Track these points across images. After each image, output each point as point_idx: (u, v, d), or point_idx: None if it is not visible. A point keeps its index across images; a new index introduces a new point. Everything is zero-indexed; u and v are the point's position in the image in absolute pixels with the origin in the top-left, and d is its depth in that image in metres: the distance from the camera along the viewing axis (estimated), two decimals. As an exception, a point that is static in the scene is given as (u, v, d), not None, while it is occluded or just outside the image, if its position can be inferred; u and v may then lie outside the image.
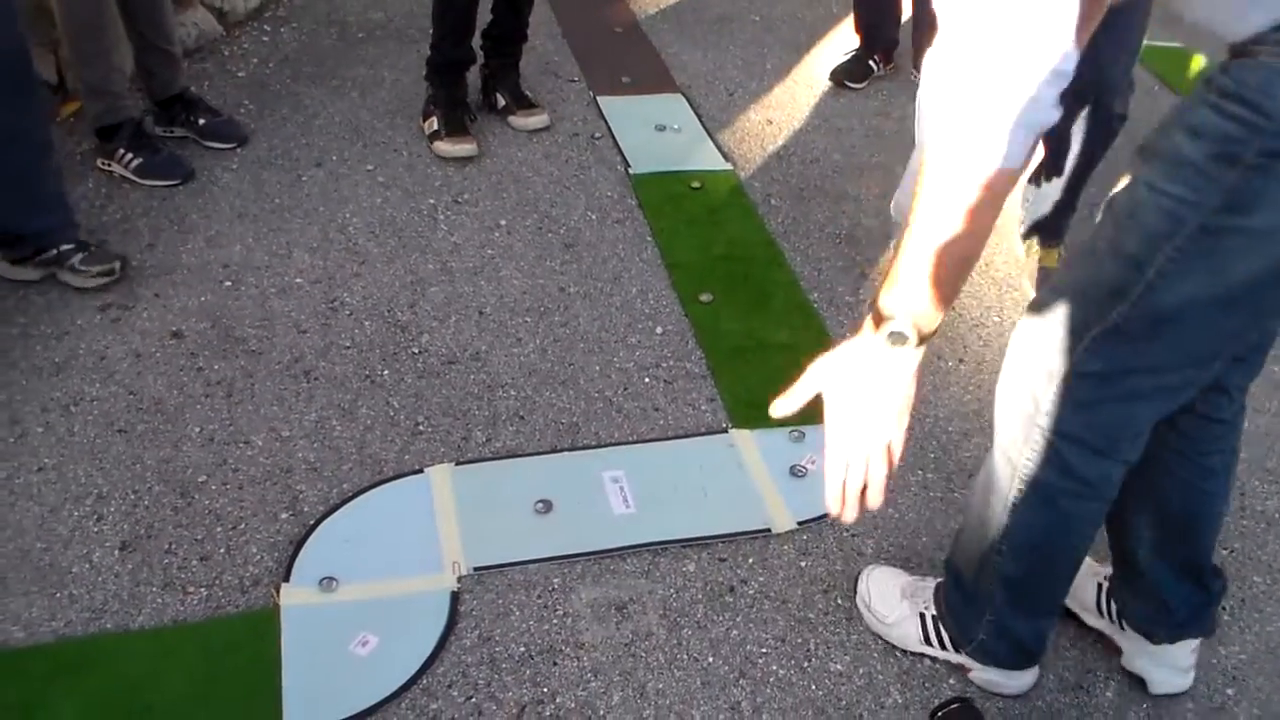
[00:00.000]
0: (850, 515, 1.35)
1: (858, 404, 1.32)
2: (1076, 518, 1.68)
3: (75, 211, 2.70)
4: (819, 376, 1.34)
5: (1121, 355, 1.47)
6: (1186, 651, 1.91)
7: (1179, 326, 1.40)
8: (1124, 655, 1.98)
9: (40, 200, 2.57)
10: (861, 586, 2.07)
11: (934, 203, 1.25)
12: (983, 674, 1.94)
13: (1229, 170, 1.25)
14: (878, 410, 1.32)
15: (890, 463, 1.34)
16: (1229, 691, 2.03)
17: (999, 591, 1.82)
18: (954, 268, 1.28)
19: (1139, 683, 1.98)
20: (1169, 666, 1.94)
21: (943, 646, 1.96)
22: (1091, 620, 2.02)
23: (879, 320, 1.31)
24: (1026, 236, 2.97)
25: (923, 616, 1.99)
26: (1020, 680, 1.93)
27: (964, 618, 1.93)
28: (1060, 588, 1.84)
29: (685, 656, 1.99)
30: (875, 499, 1.34)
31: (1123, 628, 1.96)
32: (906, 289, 1.29)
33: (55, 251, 2.59)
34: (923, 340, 1.31)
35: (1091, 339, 1.47)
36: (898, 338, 1.30)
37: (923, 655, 1.99)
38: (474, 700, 1.88)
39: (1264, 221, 1.27)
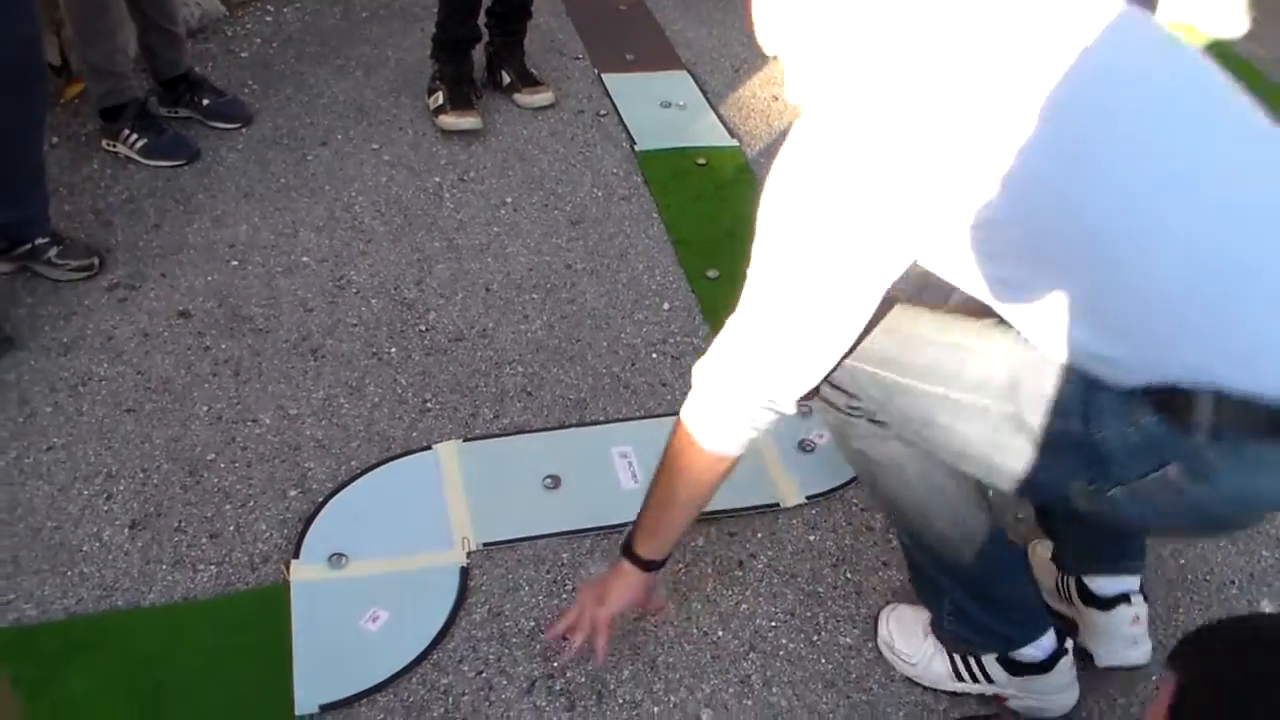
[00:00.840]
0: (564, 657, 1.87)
1: (593, 594, 1.82)
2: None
3: (83, 195, 2.69)
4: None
5: None
6: (1127, 621, 1.84)
7: None
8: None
9: (17, 191, 2.50)
10: (882, 629, 1.99)
11: (667, 468, 1.66)
12: (1020, 701, 1.86)
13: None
14: (602, 605, 1.80)
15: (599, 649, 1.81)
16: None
17: (940, 575, 1.82)
18: (676, 527, 1.74)
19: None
20: (1112, 636, 1.88)
21: (974, 679, 1.88)
22: (1057, 605, 1.96)
23: (625, 547, 1.80)
24: None
25: (956, 656, 1.90)
26: (1058, 700, 1.85)
27: (931, 606, 1.91)
28: (979, 560, 1.74)
29: (695, 630, 2.00)
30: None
31: (1073, 601, 1.92)
32: (637, 517, 1.77)
33: (30, 245, 2.56)
34: (649, 566, 1.78)
35: None
36: (629, 553, 1.79)
37: (945, 700, 1.91)
38: (484, 675, 1.88)
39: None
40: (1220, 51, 4.24)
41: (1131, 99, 1.30)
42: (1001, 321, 1.45)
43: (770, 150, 3.31)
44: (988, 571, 1.77)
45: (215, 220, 2.82)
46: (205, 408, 2.31)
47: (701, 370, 1.54)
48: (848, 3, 1.40)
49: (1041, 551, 2.06)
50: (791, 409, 1.50)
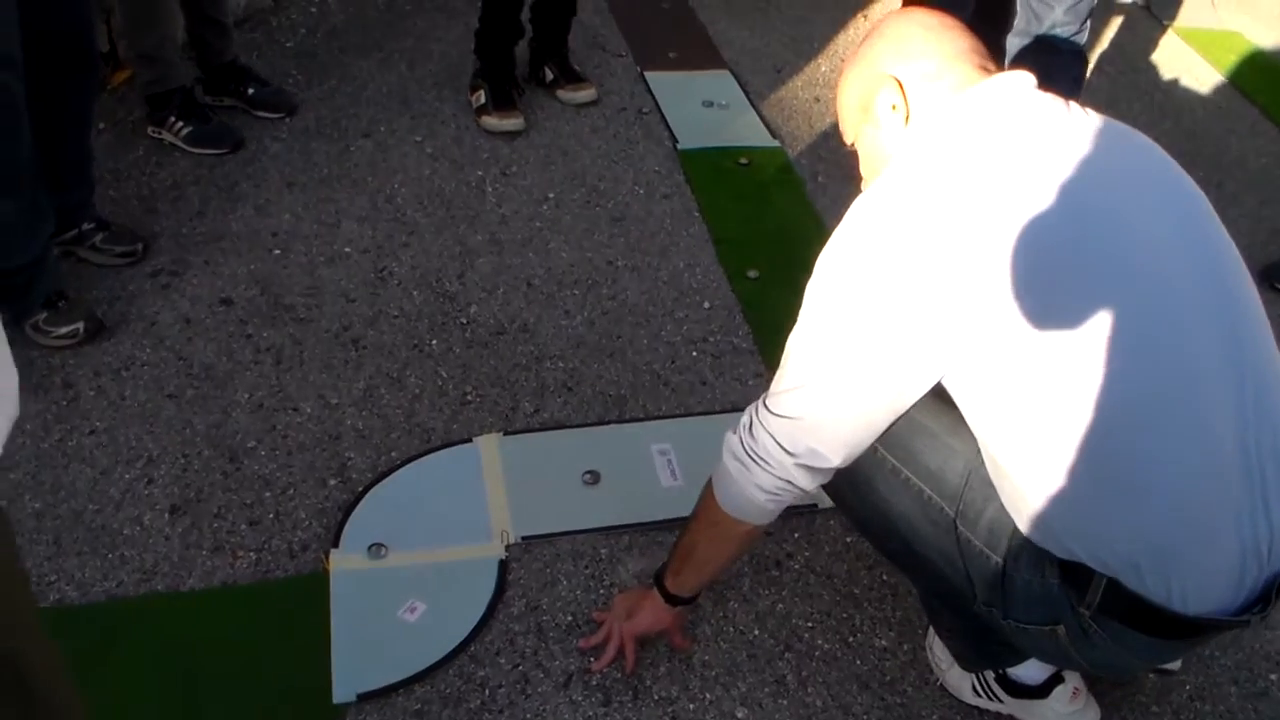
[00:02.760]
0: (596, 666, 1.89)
1: (624, 610, 1.88)
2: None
3: (128, 181, 2.71)
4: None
5: None
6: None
7: None
8: None
9: (65, 177, 2.50)
10: (931, 633, 1.99)
11: (696, 524, 1.72)
12: None
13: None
14: (633, 623, 1.87)
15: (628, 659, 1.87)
16: (1272, 677, 2.02)
17: (929, 596, 1.86)
18: (699, 574, 1.79)
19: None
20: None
21: (990, 697, 1.88)
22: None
23: (657, 577, 1.84)
24: None
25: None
26: None
27: (933, 623, 1.93)
28: (933, 583, 1.76)
29: (731, 629, 1.99)
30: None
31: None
32: (669, 558, 1.81)
33: (77, 230, 2.57)
34: (674, 600, 1.82)
35: None
36: (660, 587, 1.83)
37: (975, 709, 1.90)
38: (521, 669, 1.88)
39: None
40: (1261, 61, 4.20)
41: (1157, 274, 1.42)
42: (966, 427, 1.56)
43: (812, 151, 3.31)
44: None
45: (258, 209, 2.83)
46: (246, 395, 2.32)
47: (730, 442, 1.60)
48: (912, 126, 1.54)
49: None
50: (811, 489, 1.58)
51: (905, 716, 1.89)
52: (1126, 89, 1.45)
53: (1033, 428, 1.44)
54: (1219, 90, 3.97)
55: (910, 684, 1.94)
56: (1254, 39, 4.33)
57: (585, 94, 3.37)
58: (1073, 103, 1.52)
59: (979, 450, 1.58)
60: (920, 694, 1.93)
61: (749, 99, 3.52)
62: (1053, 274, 1.38)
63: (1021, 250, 1.37)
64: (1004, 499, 1.54)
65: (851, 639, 2.00)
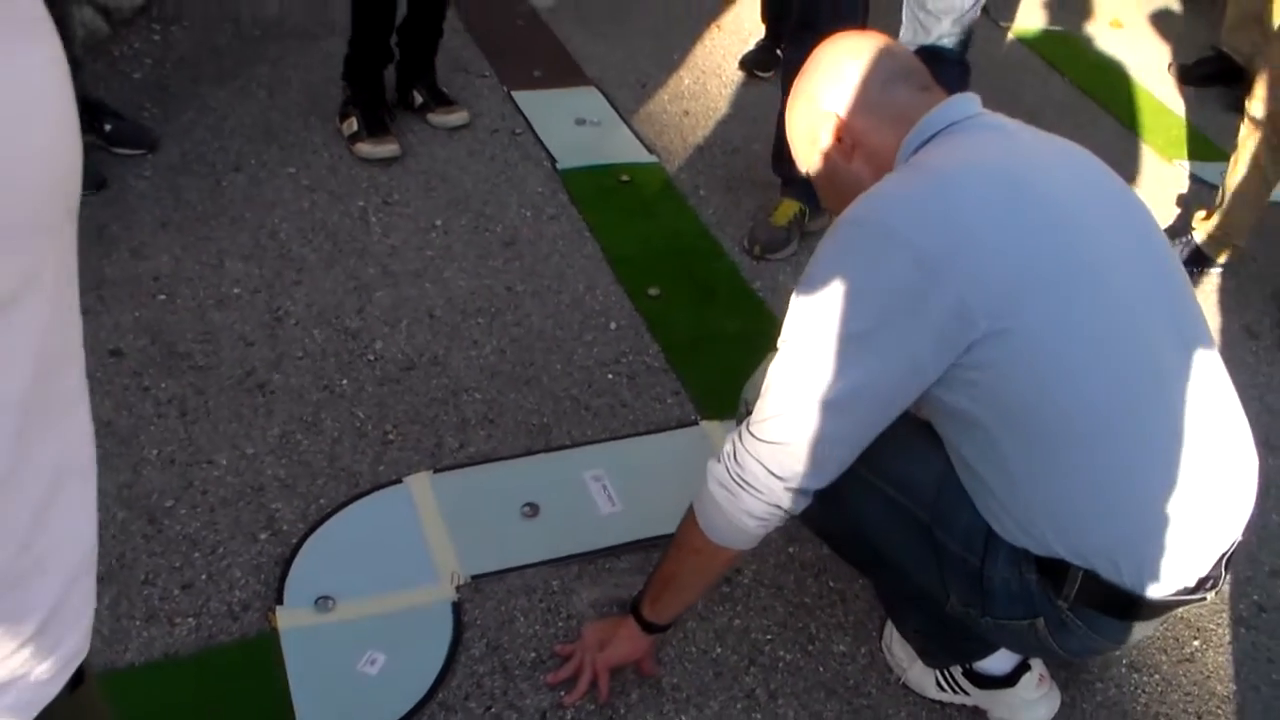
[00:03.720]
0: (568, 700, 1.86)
1: (597, 641, 1.86)
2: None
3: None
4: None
5: None
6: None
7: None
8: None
9: None
10: (886, 631, 2.02)
11: (676, 551, 1.71)
12: (995, 714, 1.91)
13: None
14: (603, 653, 1.84)
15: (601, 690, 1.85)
16: (1195, 643, 2.12)
17: (896, 598, 1.90)
18: (680, 600, 1.78)
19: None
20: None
21: (954, 691, 1.92)
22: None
23: (633, 606, 1.82)
24: None
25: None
26: (1031, 715, 1.89)
27: (895, 622, 1.97)
28: (896, 577, 1.80)
29: (694, 649, 1.99)
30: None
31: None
32: (646, 585, 1.79)
33: None
34: (652, 629, 1.81)
35: None
36: (637, 615, 1.81)
37: (939, 703, 1.95)
38: (493, 710, 1.84)
39: None
40: (1093, 58, 4.42)
41: (1123, 277, 1.50)
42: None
43: (690, 165, 3.33)
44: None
45: (134, 252, 2.69)
46: (155, 451, 2.20)
47: (715, 470, 1.58)
48: (862, 156, 1.62)
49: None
50: (798, 511, 1.57)
51: (875, 718, 1.92)
52: (983, 91, 1.51)
53: (1012, 433, 1.49)
54: (1061, 88, 4.16)
55: (874, 686, 1.97)
56: (1081, 37, 4.56)
57: (458, 117, 3.31)
58: (1015, 121, 1.60)
59: (947, 457, 1.62)
60: (885, 695, 1.96)
61: (620, 115, 3.52)
62: (1031, 285, 1.42)
63: (1000, 263, 1.41)
64: (978, 502, 1.58)
65: (810, 647, 2.02)
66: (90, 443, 0.76)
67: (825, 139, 1.63)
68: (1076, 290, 1.44)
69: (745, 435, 1.54)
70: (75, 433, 0.73)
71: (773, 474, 1.51)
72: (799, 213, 3.00)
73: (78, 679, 0.79)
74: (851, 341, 1.44)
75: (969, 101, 1.59)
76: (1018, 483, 1.51)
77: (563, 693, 1.86)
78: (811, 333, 1.47)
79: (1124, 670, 2.05)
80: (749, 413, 1.69)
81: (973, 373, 1.45)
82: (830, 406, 1.47)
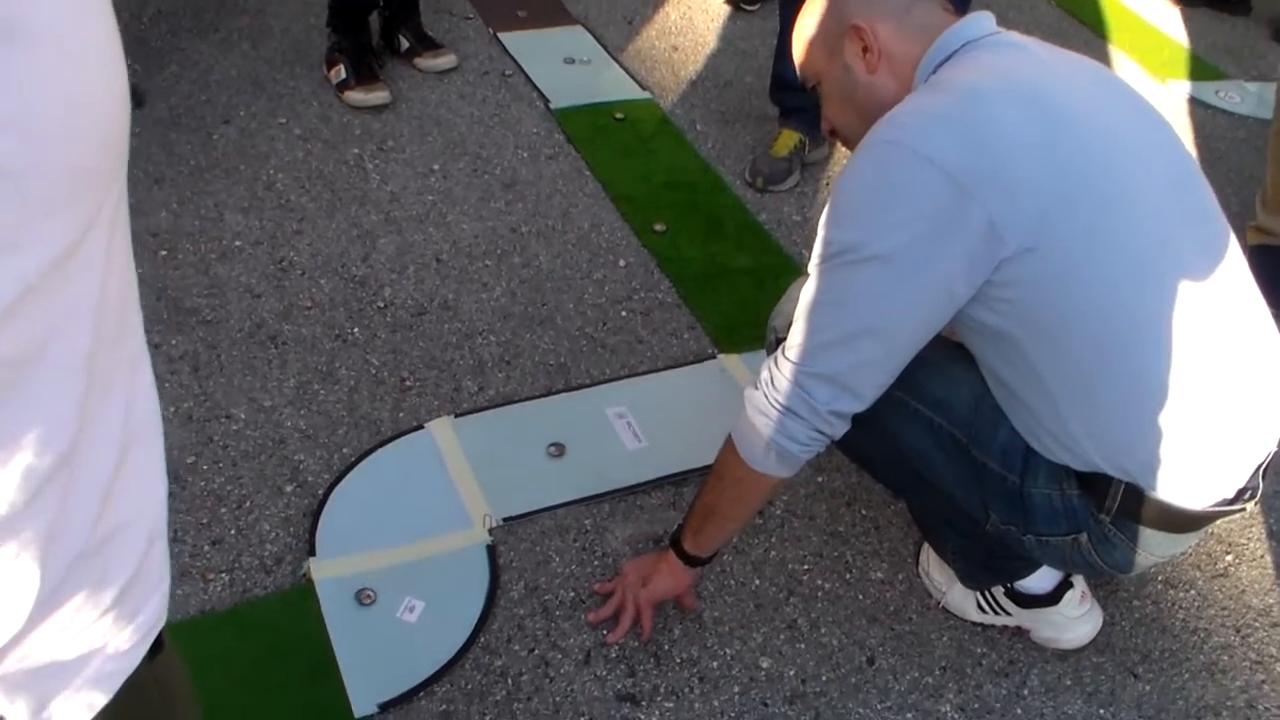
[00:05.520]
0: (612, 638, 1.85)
1: (638, 577, 1.84)
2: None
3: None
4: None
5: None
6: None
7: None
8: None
9: None
10: (923, 556, 2.02)
11: (716, 482, 1.68)
12: (1038, 633, 1.91)
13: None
14: (645, 589, 1.82)
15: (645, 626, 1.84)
16: (1228, 558, 2.13)
17: (936, 521, 1.89)
18: (723, 532, 1.76)
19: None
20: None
21: (995, 611, 1.92)
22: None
23: (674, 540, 1.79)
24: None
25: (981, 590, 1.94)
26: (1074, 632, 1.89)
27: (935, 546, 1.97)
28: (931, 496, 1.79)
29: (733, 582, 1.98)
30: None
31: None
32: (687, 518, 1.77)
33: None
34: (694, 561, 1.78)
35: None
36: (677, 549, 1.79)
37: (981, 625, 1.94)
38: (537, 652, 1.82)
39: None
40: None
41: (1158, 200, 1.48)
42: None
43: (684, 100, 3.29)
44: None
45: (131, 210, 2.62)
46: (171, 408, 2.16)
47: (754, 399, 1.56)
48: (886, 70, 1.58)
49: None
50: (839, 435, 1.55)
51: (918, 643, 1.92)
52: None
53: (1046, 349, 1.48)
54: (1049, 13, 4.12)
55: (914, 611, 1.97)
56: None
57: (446, 60, 3.25)
58: (1032, 38, 1.58)
59: (981, 377, 1.60)
60: (926, 619, 1.96)
61: (609, 53, 3.46)
62: (1060, 202, 1.40)
63: (1029, 181, 1.39)
64: (1016, 421, 1.57)
65: (848, 575, 2.01)
66: (155, 403, 0.73)
67: (849, 49, 1.59)
68: (1105, 205, 1.42)
69: (782, 362, 1.52)
70: (141, 392, 0.70)
71: (812, 399, 1.49)
72: (799, 143, 2.96)
73: (157, 646, 0.77)
74: (884, 263, 1.42)
75: (986, 19, 1.56)
76: (1054, 399, 1.50)
77: (605, 631, 1.85)
78: (843, 256, 1.45)
79: (1160, 587, 2.06)
80: (778, 341, 1.69)
81: (1005, 290, 1.43)
82: (866, 330, 1.46)
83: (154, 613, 0.74)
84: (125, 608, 0.70)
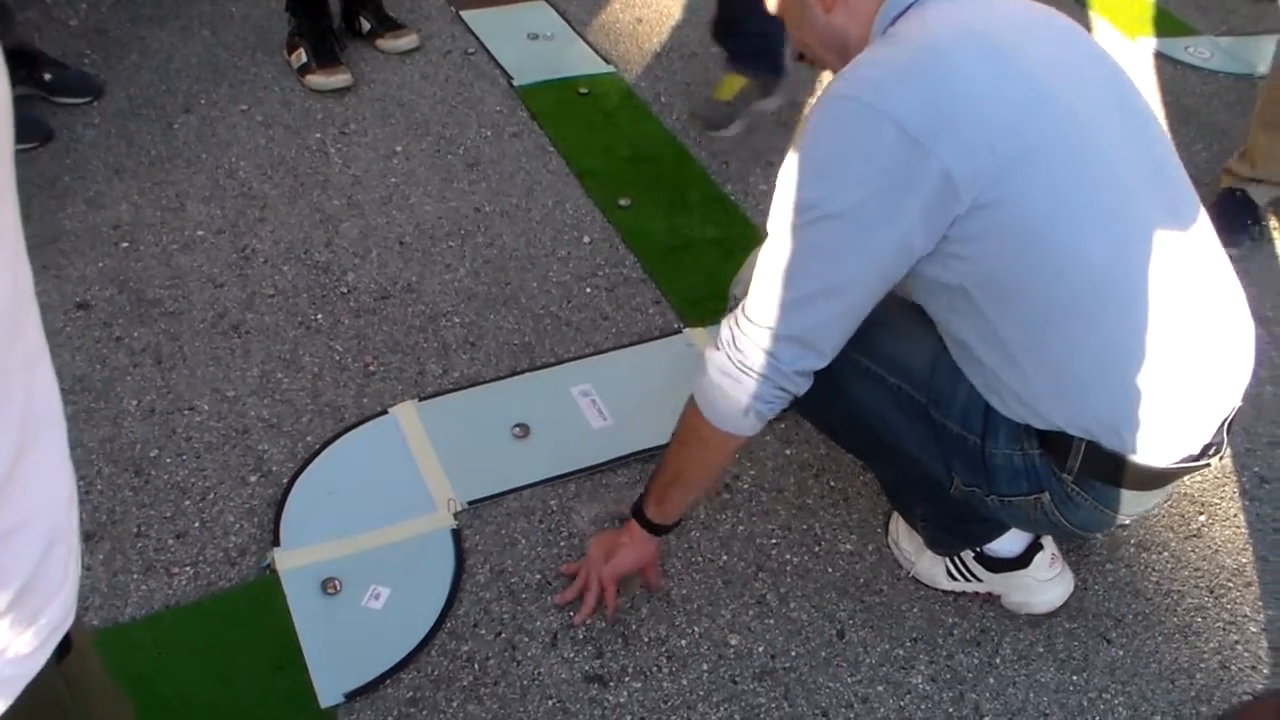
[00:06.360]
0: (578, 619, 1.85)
1: (601, 554, 1.84)
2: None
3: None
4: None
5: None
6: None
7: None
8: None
9: None
10: (892, 527, 2.02)
11: (679, 445, 1.68)
12: (1009, 597, 1.90)
13: None
14: (614, 564, 1.82)
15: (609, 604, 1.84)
16: (1201, 518, 2.12)
17: (902, 486, 1.89)
18: (687, 495, 1.77)
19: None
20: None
21: (965, 578, 1.91)
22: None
23: (636, 509, 1.80)
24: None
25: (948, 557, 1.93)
26: (1045, 596, 1.89)
27: (904, 514, 1.97)
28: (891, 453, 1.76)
29: (700, 559, 1.97)
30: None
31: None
32: (648, 486, 1.78)
33: None
34: (658, 530, 1.79)
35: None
36: (640, 519, 1.80)
37: (953, 594, 1.94)
38: (504, 635, 1.82)
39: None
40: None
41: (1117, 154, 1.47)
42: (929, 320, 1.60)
43: (649, 73, 3.26)
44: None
45: (90, 202, 2.60)
46: (134, 402, 2.14)
47: (715, 359, 1.55)
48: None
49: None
50: (801, 391, 1.54)
51: (888, 614, 1.91)
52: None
53: (1004, 305, 1.47)
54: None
55: (884, 583, 1.97)
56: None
57: (407, 41, 3.22)
58: None
59: (939, 337, 1.60)
60: (896, 591, 1.95)
61: (572, 28, 3.43)
62: (1017, 157, 1.38)
63: (986, 135, 1.37)
64: (975, 380, 1.57)
65: (817, 548, 2.01)
66: (57, 400, 0.71)
67: None
68: (1063, 160, 1.41)
69: (743, 322, 1.51)
70: (40, 391, 0.68)
71: (778, 360, 1.49)
72: (745, 88, 2.91)
73: (65, 648, 0.76)
74: (842, 220, 1.41)
75: None
76: (1014, 356, 1.49)
77: (572, 613, 1.85)
78: (801, 214, 1.43)
79: (1133, 550, 2.05)
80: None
81: (963, 246, 1.42)
82: (825, 288, 1.45)
83: (58, 615, 0.73)
84: (23, 611, 0.69)
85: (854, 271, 1.45)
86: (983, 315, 1.48)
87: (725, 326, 1.54)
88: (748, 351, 1.50)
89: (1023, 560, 1.85)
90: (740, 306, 1.53)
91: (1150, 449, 1.51)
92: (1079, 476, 1.55)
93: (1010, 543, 1.85)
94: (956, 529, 1.84)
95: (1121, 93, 1.53)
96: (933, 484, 1.71)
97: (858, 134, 1.40)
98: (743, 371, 1.51)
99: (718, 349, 1.55)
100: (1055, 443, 1.54)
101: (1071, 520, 1.63)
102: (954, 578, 1.92)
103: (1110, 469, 1.53)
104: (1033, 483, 1.59)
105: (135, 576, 1.86)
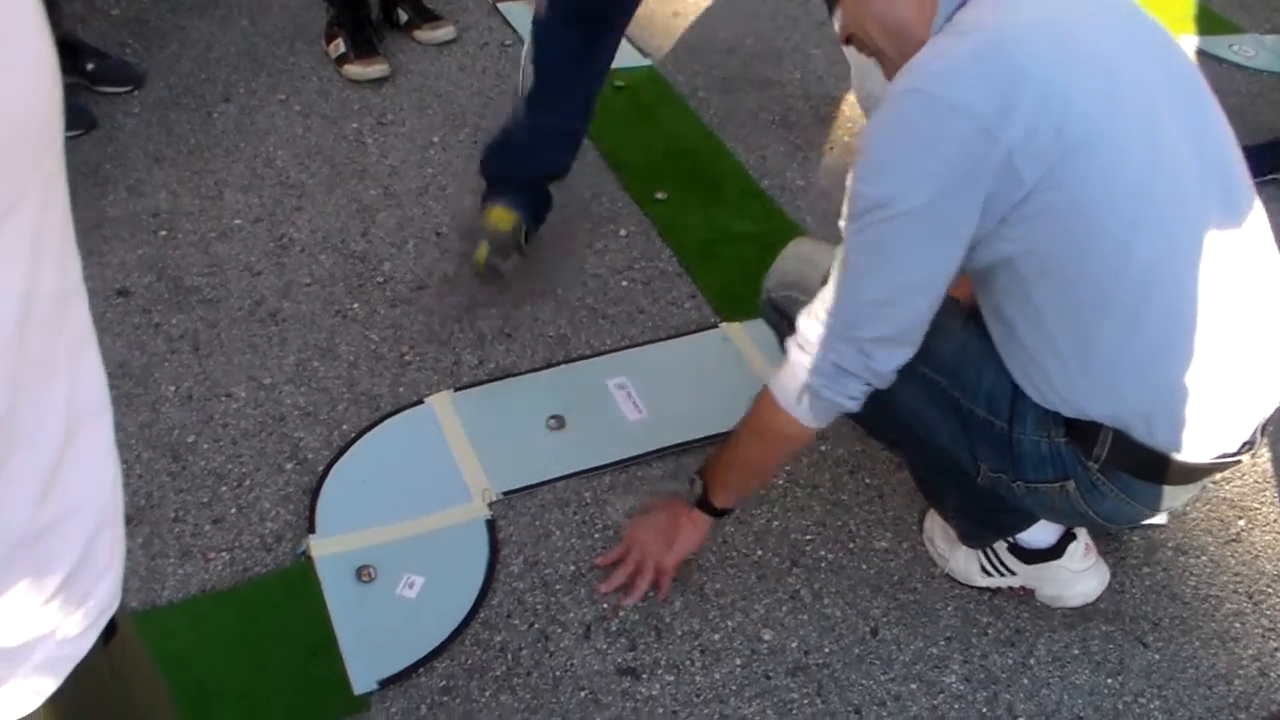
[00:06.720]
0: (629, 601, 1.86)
1: (657, 539, 1.84)
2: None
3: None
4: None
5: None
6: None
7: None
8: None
9: None
10: (927, 524, 2.01)
11: (752, 436, 1.68)
12: (1043, 590, 1.89)
13: None
14: (671, 550, 1.83)
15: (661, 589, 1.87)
16: (1240, 523, 2.10)
17: (933, 477, 1.88)
18: (745, 481, 1.80)
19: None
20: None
21: (999, 572, 1.90)
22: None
23: (699, 500, 1.80)
24: None
25: (982, 551, 1.91)
26: (1079, 588, 1.88)
27: (936, 506, 1.95)
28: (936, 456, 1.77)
29: (735, 553, 1.96)
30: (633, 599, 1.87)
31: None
32: (714, 474, 1.77)
33: None
34: (720, 514, 1.81)
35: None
36: (704, 504, 1.80)
37: (987, 590, 1.92)
38: (537, 626, 1.82)
39: None
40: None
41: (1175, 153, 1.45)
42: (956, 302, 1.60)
43: (685, 67, 3.25)
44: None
45: (130, 190, 2.62)
46: (172, 388, 2.16)
47: (802, 360, 1.54)
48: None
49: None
50: (887, 382, 1.53)
51: (922, 613, 1.90)
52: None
53: (1052, 287, 1.46)
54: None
55: (918, 580, 1.95)
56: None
57: (444, 32, 3.23)
58: None
59: (965, 324, 1.61)
60: (930, 588, 1.94)
61: (610, 20, 3.42)
62: (1079, 143, 1.37)
63: (1050, 120, 1.36)
64: (1014, 366, 1.56)
65: (851, 545, 2.00)
66: (103, 387, 0.72)
67: None
68: (1123, 152, 1.39)
69: (831, 325, 1.49)
70: (86, 378, 0.69)
71: (873, 362, 1.49)
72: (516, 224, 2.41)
73: (110, 631, 0.76)
74: (918, 218, 1.40)
75: None
76: (1053, 338, 1.49)
77: (606, 605, 1.85)
78: (877, 213, 1.43)
79: (1171, 553, 2.03)
80: (771, 301, 1.78)
81: (1015, 228, 1.41)
82: (913, 286, 1.46)
83: (105, 598, 0.73)
84: (73, 593, 0.70)
85: (936, 265, 1.44)
86: (1028, 294, 1.48)
87: (810, 325, 1.53)
88: (844, 356, 1.49)
89: (1056, 550, 1.84)
90: (819, 308, 1.51)
91: (1184, 445, 1.50)
92: (1105, 466, 1.55)
93: (1043, 533, 1.84)
94: (987, 519, 1.83)
95: (1187, 85, 1.51)
96: (961, 472, 1.71)
97: (927, 128, 1.39)
98: (842, 372, 1.51)
99: (803, 350, 1.53)
100: (1082, 431, 1.54)
101: (1097, 510, 1.62)
102: (988, 573, 1.91)
103: (1138, 461, 1.53)
104: (1058, 469, 1.59)
105: (172, 561, 1.87)
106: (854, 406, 1.54)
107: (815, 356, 1.52)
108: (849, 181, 1.46)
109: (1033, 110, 1.35)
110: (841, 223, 1.48)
